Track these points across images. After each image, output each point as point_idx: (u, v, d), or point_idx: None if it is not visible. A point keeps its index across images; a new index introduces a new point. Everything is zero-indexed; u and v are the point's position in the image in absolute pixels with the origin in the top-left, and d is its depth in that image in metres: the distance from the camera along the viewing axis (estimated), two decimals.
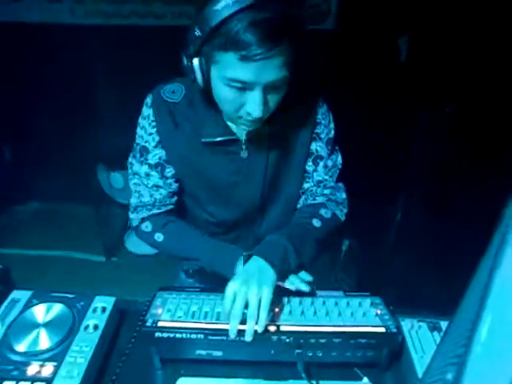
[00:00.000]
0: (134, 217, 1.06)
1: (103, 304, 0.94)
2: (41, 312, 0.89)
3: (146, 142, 1.00)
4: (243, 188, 1.03)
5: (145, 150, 1.00)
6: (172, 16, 2.41)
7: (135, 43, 2.49)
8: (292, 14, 0.75)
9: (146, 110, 0.99)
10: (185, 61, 0.84)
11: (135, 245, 2.88)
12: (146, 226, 1.04)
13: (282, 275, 0.89)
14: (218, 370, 0.87)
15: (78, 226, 3.04)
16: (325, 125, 1.04)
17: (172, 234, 1.03)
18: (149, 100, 0.99)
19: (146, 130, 0.99)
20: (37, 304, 0.91)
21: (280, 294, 0.89)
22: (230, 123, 0.97)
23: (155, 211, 1.04)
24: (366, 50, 2.31)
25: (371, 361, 0.85)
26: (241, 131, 0.96)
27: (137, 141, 1.02)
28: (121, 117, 2.78)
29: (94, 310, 0.92)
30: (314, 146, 1.04)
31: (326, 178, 1.07)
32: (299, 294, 0.90)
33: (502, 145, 1.47)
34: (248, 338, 0.80)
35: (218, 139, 0.95)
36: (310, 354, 0.83)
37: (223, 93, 0.83)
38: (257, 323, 0.81)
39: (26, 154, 3.10)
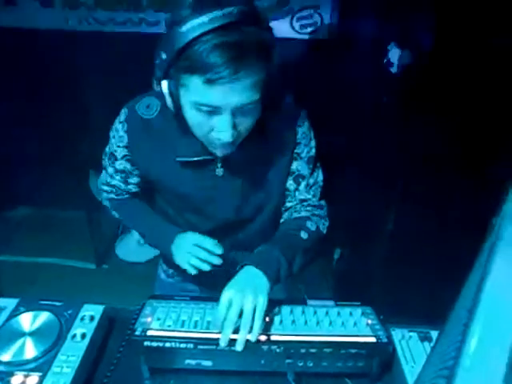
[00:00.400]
0: (102, 191, 1.15)
1: (91, 312, 0.93)
2: (27, 320, 0.88)
3: (115, 151, 1.02)
4: (219, 203, 1.03)
5: (113, 156, 1.04)
6: (165, 23, 2.41)
7: (128, 50, 2.49)
8: (259, 36, 0.73)
9: (119, 124, 0.99)
10: (155, 84, 0.83)
11: (126, 252, 2.86)
12: (107, 203, 1.15)
13: (274, 285, 0.89)
14: (207, 379, 0.86)
15: (68, 232, 3.01)
16: (305, 144, 1.02)
17: (125, 214, 1.14)
18: (123, 114, 0.98)
19: (116, 141, 1.00)
20: (23, 312, 0.90)
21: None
22: None
23: (113, 196, 1.13)
24: (357, 60, 2.33)
25: (362, 371, 0.85)
26: None
27: (109, 144, 1.04)
28: (112, 123, 2.78)
29: (82, 319, 0.91)
30: (294, 166, 1.03)
31: (309, 196, 1.07)
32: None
33: (493, 155, 1.49)
34: (239, 347, 0.79)
35: (194, 159, 0.94)
36: (301, 364, 0.83)
37: (192, 116, 0.81)
38: (250, 332, 0.80)
39: (16, 160, 3.07)
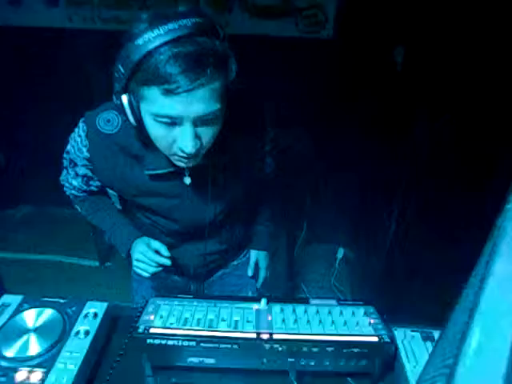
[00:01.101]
0: (63, 187, 1.15)
1: (95, 309, 0.93)
2: (31, 317, 0.89)
3: (75, 158, 1.00)
4: (187, 209, 1.04)
5: (73, 162, 1.02)
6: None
7: None
8: (214, 47, 0.73)
9: (77, 136, 0.97)
10: (114, 99, 0.82)
11: None
12: (71, 197, 1.16)
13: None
14: (210, 377, 0.86)
15: (71, 230, 3.02)
16: (266, 136, 1.05)
17: (88, 209, 1.16)
18: (81, 127, 0.97)
19: (75, 151, 0.99)
20: (27, 309, 0.90)
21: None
22: None
23: (75, 192, 1.13)
24: (362, 59, 2.33)
25: (364, 370, 0.85)
26: None
27: (69, 148, 1.01)
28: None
29: (86, 316, 0.92)
30: (263, 156, 1.10)
31: (273, 165, 1.15)
32: None
33: (496, 156, 1.48)
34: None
35: (160, 172, 0.94)
36: (303, 363, 0.83)
37: (153, 129, 0.80)
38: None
39: (20, 159, 3.08)
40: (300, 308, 0.90)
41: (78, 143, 0.97)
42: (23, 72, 2.67)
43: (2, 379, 0.75)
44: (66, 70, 2.61)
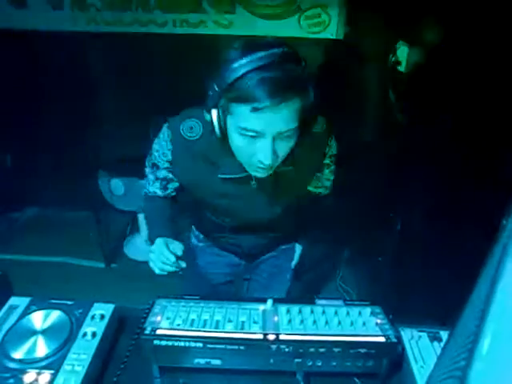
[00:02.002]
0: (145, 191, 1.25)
1: (102, 311, 0.94)
2: (39, 319, 0.89)
3: (158, 162, 1.13)
4: (250, 210, 1.16)
5: (156, 166, 1.15)
6: (173, 24, 2.42)
7: (136, 51, 2.51)
8: (297, 73, 0.84)
9: (163, 141, 1.09)
10: (206, 114, 0.94)
11: (134, 251, 2.88)
12: (143, 197, 1.26)
13: None
14: (216, 378, 0.86)
15: (77, 232, 3.04)
16: (330, 149, 1.18)
17: (148, 205, 1.25)
18: (166, 133, 1.08)
19: (159, 155, 1.11)
20: (35, 311, 0.91)
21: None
22: None
23: (150, 194, 1.23)
24: (365, 58, 2.33)
25: (371, 371, 0.85)
26: None
27: (151, 155, 1.15)
28: (121, 124, 2.80)
29: (93, 317, 0.92)
30: (323, 162, 1.21)
31: (331, 178, 1.31)
32: None
33: (502, 155, 1.47)
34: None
35: (233, 176, 1.06)
36: (310, 364, 0.83)
37: (237, 141, 0.91)
38: None
39: (26, 161, 3.10)
40: (306, 308, 0.90)
41: (163, 147, 1.09)
42: (29, 74, 2.69)
43: (11, 381, 0.76)
44: (71, 72, 2.63)
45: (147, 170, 1.20)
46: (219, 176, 1.06)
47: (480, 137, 1.52)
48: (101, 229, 2.78)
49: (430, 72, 1.78)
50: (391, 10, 2.13)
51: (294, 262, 1.50)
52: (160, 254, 1.05)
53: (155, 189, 1.20)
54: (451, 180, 1.65)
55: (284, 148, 0.92)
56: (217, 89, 0.87)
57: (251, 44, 0.85)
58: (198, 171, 1.08)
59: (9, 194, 3.14)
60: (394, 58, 2.14)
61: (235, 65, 0.82)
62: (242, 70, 0.81)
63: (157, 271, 1.07)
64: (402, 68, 2.10)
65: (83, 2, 2.42)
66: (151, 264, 1.08)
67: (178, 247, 1.08)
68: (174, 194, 1.22)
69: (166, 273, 1.07)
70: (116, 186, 2.78)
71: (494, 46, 1.42)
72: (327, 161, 1.23)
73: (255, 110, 0.82)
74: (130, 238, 2.99)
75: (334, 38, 2.37)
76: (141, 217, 2.78)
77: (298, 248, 1.49)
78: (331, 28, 2.34)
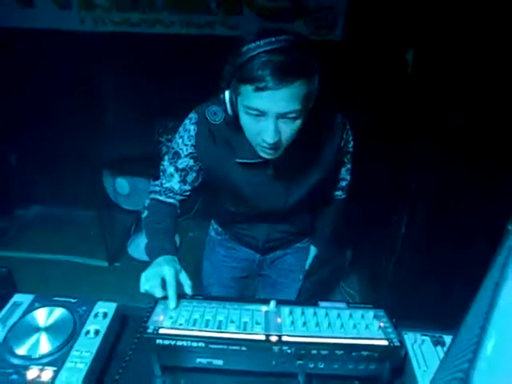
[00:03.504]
0: (150, 192, 1.24)
1: (105, 309, 0.94)
2: (42, 316, 0.89)
3: (181, 149, 1.15)
4: (266, 198, 1.20)
5: (177, 155, 1.17)
6: (180, 24, 2.43)
7: (143, 51, 2.52)
8: (300, 58, 0.89)
9: (189, 125, 1.13)
10: (220, 94, 1.00)
11: (138, 251, 2.88)
12: (146, 202, 1.23)
13: None
14: (218, 379, 0.86)
15: (81, 230, 3.05)
16: (346, 144, 1.23)
17: (150, 215, 1.19)
18: (193, 117, 1.13)
19: (184, 140, 1.14)
20: (38, 308, 0.91)
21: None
22: None
23: (158, 196, 1.21)
24: (372, 61, 2.32)
25: (373, 374, 0.84)
26: None
27: (172, 145, 1.18)
28: (127, 123, 2.81)
29: (96, 315, 0.92)
30: (338, 158, 1.25)
31: (348, 178, 1.39)
32: None
33: (508, 158, 1.47)
34: None
35: (250, 161, 1.10)
36: (312, 366, 0.83)
37: (244, 120, 0.98)
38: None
39: (31, 160, 3.12)
40: (309, 310, 0.90)
41: (189, 131, 1.13)
42: (35, 73, 2.70)
43: (14, 376, 0.76)
44: (76, 72, 2.64)
45: (165, 163, 1.20)
46: (236, 160, 1.11)
47: (487, 140, 1.51)
48: (105, 228, 2.79)
49: (436, 74, 1.78)
50: (397, 12, 2.13)
51: (308, 262, 1.53)
52: (160, 276, 0.95)
53: (172, 184, 1.19)
54: (456, 184, 1.64)
55: (288, 130, 0.96)
56: (228, 70, 0.94)
57: (263, 31, 0.91)
58: (219, 156, 1.13)
59: (14, 192, 3.16)
60: (400, 61, 2.14)
61: (245, 48, 0.89)
62: (250, 53, 0.88)
63: (141, 288, 0.95)
64: (408, 70, 2.09)
65: (91, 1, 2.43)
66: (143, 278, 0.97)
67: (187, 283, 0.98)
68: (188, 193, 1.22)
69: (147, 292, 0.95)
70: (121, 186, 2.79)
71: (501, 49, 1.41)
72: (343, 158, 1.29)
73: (257, 89, 0.88)
74: (134, 237, 3.00)
75: (341, 40, 2.37)
76: None
77: (313, 249, 1.52)
78: (337, 31, 2.34)
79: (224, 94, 0.99)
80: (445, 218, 1.71)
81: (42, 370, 0.78)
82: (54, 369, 0.78)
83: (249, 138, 1.02)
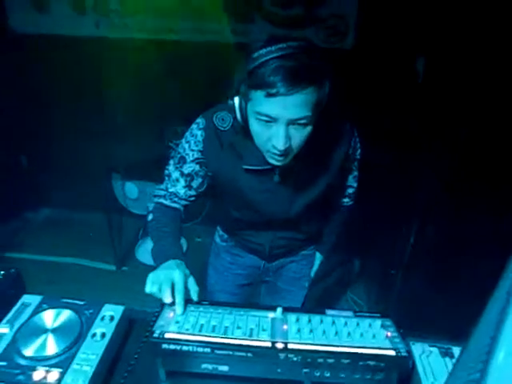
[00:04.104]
0: (155, 196, 1.22)
1: (112, 312, 0.94)
2: (50, 317, 0.90)
3: (187, 154, 1.14)
4: (271, 204, 1.19)
5: (183, 160, 1.16)
6: (192, 31, 2.46)
7: (153, 56, 2.54)
8: (311, 65, 0.89)
9: (196, 130, 1.12)
10: (229, 100, 1.01)
11: (146, 255, 2.89)
12: (150, 206, 1.21)
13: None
14: None
15: (90, 234, 3.07)
16: (354, 152, 1.23)
17: (155, 219, 1.17)
18: (201, 122, 1.12)
19: (190, 145, 1.13)
20: (46, 309, 0.92)
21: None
22: None
23: (163, 201, 1.20)
24: (382, 70, 2.32)
25: None
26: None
27: (179, 150, 1.17)
28: (136, 128, 2.84)
29: (103, 318, 0.93)
30: (346, 166, 1.25)
31: (355, 185, 1.39)
32: None
33: None
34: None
35: (256, 168, 1.10)
36: (318, 374, 0.82)
37: (254, 126, 0.97)
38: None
39: (42, 162, 3.16)
40: (316, 318, 0.89)
41: (196, 136, 1.12)
42: (47, 77, 2.74)
43: (21, 377, 0.77)
44: (87, 75, 2.67)
45: (171, 167, 1.19)
46: (243, 167, 1.11)
47: (498, 151, 1.50)
48: (113, 232, 2.81)
49: (447, 84, 1.77)
50: (408, 21, 2.13)
51: (313, 269, 1.52)
52: (170, 280, 0.93)
53: (177, 189, 1.17)
54: (465, 194, 1.63)
55: (298, 136, 0.96)
56: (239, 76, 0.95)
57: (275, 37, 0.91)
58: (225, 162, 1.12)
59: (24, 195, 3.19)
60: (411, 70, 2.13)
61: (256, 54, 0.90)
62: (261, 59, 0.88)
63: (147, 289, 0.93)
64: (418, 79, 2.09)
65: (106, 7, 2.47)
66: (150, 279, 0.94)
67: (194, 289, 0.96)
68: (192, 198, 1.20)
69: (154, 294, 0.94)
70: (130, 190, 2.81)
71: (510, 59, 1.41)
72: (351, 165, 1.29)
73: (269, 95, 0.88)
74: (142, 242, 3.01)
75: (352, 48, 2.37)
76: None
77: (319, 256, 1.52)
78: (348, 39, 2.35)
79: (234, 100, 0.99)
80: (454, 229, 1.69)
81: (48, 372, 0.78)
82: (60, 370, 0.79)
83: (258, 144, 1.02)
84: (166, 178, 1.20)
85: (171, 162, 1.19)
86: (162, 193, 1.20)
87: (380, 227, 2.33)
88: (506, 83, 1.45)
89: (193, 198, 1.21)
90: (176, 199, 1.19)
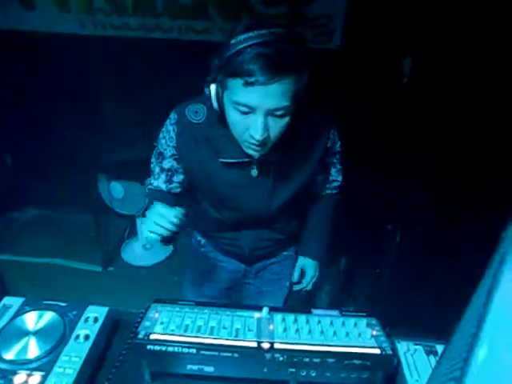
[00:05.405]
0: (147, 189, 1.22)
1: (96, 314, 0.93)
2: (32, 320, 0.88)
3: (165, 149, 1.13)
4: (251, 200, 1.16)
5: (161, 155, 1.14)
6: (179, 30, 2.44)
7: (141, 56, 2.52)
8: (293, 53, 0.85)
9: (169, 126, 1.10)
10: (205, 88, 0.97)
11: (131, 256, 2.87)
12: (146, 193, 1.21)
13: None
14: None
15: (75, 234, 3.03)
16: (333, 145, 1.20)
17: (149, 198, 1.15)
18: (173, 117, 1.10)
19: (166, 141, 1.12)
20: (28, 311, 0.90)
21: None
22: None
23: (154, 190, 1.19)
24: (369, 70, 2.33)
25: (366, 383, 0.83)
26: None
27: (157, 145, 1.15)
28: (123, 127, 2.81)
29: (86, 320, 0.91)
30: (326, 160, 1.22)
31: (339, 179, 1.35)
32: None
33: (501, 169, 1.47)
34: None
35: (233, 161, 1.07)
36: (304, 374, 0.82)
37: (231, 115, 0.94)
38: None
39: (27, 162, 3.10)
40: (302, 318, 0.90)
41: (169, 132, 1.10)
42: (32, 75, 2.69)
43: (1, 381, 0.75)
44: (74, 75, 2.64)
45: (153, 162, 1.19)
46: (220, 160, 1.07)
47: (482, 150, 1.52)
48: (99, 232, 2.78)
49: (433, 84, 1.79)
50: (396, 22, 2.15)
51: (296, 272, 1.48)
52: (156, 214, 0.97)
53: (160, 183, 1.17)
54: (450, 194, 1.65)
55: (276, 127, 0.93)
56: (216, 63, 0.91)
57: (254, 23, 0.87)
58: (201, 156, 1.09)
59: (9, 194, 3.13)
60: (398, 70, 2.15)
61: (233, 41, 0.85)
62: (239, 46, 0.84)
63: (145, 233, 0.98)
64: (405, 80, 2.11)
65: (91, 5, 2.43)
66: (143, 227, 1.00)
67: (178, 211, 0.99)
68: (177, 190, 1.19)
69: (155, 237, 0.98)
70: (115, 190, 2.78)
71: (498, 60, 1.43)
72: (332, 159, 1.25)
73: (247, 84, 0.84)
74: (128, 242, 2.98)
75: (339, 48, 2.38)
76: (139, 221, 2.77)
77: (310, 263, 1.47)
78: (336, 38, 2.35)
79: (209, 87, 0.95)
80: (439, 228, 1.71)
81: (29, 375, 0.77)
82: (42, 374, 0.77)
83: (235, 135, 0.98)
84: (151, 172, 1.20)
85: (153, 156, 1.19)
86: (151, 186, 1.20)
87: (366, 226, 2.34)
88: (492, 84, 1.47)
89: (178, 191, 1.19)
90: (164, 190, 1.18)
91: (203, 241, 1.41)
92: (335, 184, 1.36)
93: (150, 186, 1.21)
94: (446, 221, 1.68)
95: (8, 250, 2.84)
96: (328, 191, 1.37)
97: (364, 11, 2.25)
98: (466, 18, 1.55)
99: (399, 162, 2.06)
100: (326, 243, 1.47)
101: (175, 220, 0.96)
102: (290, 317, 0.90)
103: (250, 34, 0.84)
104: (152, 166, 1.19)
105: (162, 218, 0.96)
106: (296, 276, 1.47)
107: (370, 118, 2.30)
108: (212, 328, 0.85)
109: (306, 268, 1.47)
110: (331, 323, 0.88)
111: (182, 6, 2.37)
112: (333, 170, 1.31)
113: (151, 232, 0.98)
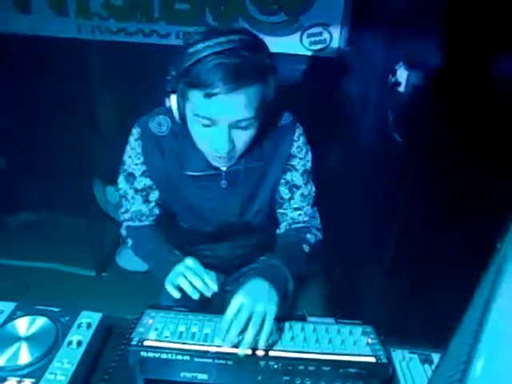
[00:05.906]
0: (122, 221, 1.17)
1: (89, 320, 0.92)
2: (23, 325, 0.87)
3: (133, 169, 1.07)
4: (221, 212, 1.12)
5: (132, 176, 1.08)
6: (176, 35, 2.45)
7: (138, 61, 2.52)
8: (256, 61, 0.81)
9: (134, 142, 1.04)
10: (165, 99, 0.92)
11: (126, 261, 2.85)
12: (123, 232, 1.16)
13: (281, 301, 0.88)
14: None
15: (69, 239, 3.01)
16: (300, 157, 1.09)
17: (137, 242, 1.12)
18: (135, 132, 1.04)
19: (133, 159, 1.06)
20: (20, 316, 0.89)
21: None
22: None
23: (131, 224, 1.15)
24: (366, 78, 2.35)
25: None
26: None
27: (124, 166, 1.08)
28: (119, 132, 2.79)
29: (79, 326, 0.90)
30: (289, 176, 1.10)
31: (304, 205, 1.13)
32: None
33: (498, 178, 1.48)
34: (244, 347, 0.78)
35: (201, 174, 1.03)
36: (298, 382, 0.81)
37: (194, 128, 0.90)
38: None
39: (20, 165, 3.09)
40: (297, 325, 0.89)
41: (135, 149, 1.04)
42: (28, 79, 2.69)
43: None
44: (70, 79, 2.63)
45: (123, 186, 1.10)
46: (186, 173, 1.02)
47: (478, 158, 1.53)
48: (94, 237, 2.76)
49: (428, 93, 1.80)
50: (393, 31, 2.16)
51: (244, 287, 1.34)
52: (197, 272, 0.90)
53: (138, 207, 1.11)
54: (446, 203, 1.65)
55: (242, 138, 0.90)
56: (174, 73, 0.86)
57: (211, 31, 0.83)
58: (168, 169, 1.04)
59: (2, 198, 3.11)
60: (393, 79, 2.17)
61: (191, 50, 0.81)
62: (198, 56, 0.80)
63: (171, 290, 0.90)
64: (401, 89, 2.12)
65: (88, 10, 2.44)
66: (178, 283, 0.90)
67: (210, 276, 0.91)
68: (157, 211, 1.14)
69: (197, 295, 0.89)
70: (111, 194, 2.76)
71: (491, 69, 1.44)
72: (296, 176, 1.09)
73: (208, 95, 0.80)
74: (123, 247, 2.96)
75: (335, 56, 2.39)
76: None
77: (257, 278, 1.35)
78: (332, 47, 2.37)
79: (169, 98, 0.89)
80: (435, 236, 1.71)
81: (19, 382, 0.75)
82: (33, 381, 0.76)
83: (200, 147, 0.94)
84: (123, 199, 1.13)
85: (121, 180, 1.11)
86: (127, 216, 1.14)
87: (361, 235, 2.35)
88: (489, 93, 1.48)
89: (158, 212, 1.14)
90: (143, 218, 1.13)
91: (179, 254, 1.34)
92: (301, 218, 1.12)
93: (126, 220, 1.14)
94: (442, 229, 1.68)
95: (0, 253, 2.82)
96: (294, 225, 1.13)
97: (361, 19, 2.27)
98: (461, 28, 1.57)
99: (394, 169, 2.06)
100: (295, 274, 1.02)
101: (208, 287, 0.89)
102: (285, 324, 0.89)
103: (208, 42, 0.79)
104: (122, 192, 1.11)
105: (206, 278, 0.89)
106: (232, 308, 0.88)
107: (366, 125, 2.31)
108: (206, 335, 0.84)
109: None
110: (326, 331, 0.88)
111: (179, 12, 2.38)
112: (297, 193, 1.10)
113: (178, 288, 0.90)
